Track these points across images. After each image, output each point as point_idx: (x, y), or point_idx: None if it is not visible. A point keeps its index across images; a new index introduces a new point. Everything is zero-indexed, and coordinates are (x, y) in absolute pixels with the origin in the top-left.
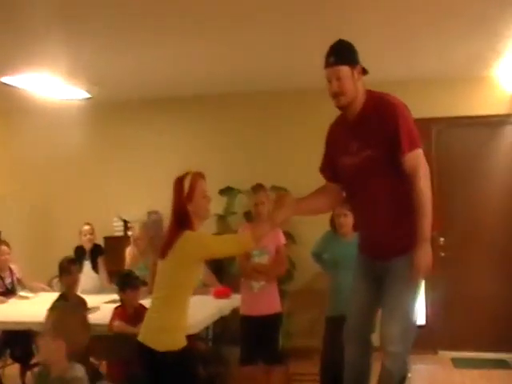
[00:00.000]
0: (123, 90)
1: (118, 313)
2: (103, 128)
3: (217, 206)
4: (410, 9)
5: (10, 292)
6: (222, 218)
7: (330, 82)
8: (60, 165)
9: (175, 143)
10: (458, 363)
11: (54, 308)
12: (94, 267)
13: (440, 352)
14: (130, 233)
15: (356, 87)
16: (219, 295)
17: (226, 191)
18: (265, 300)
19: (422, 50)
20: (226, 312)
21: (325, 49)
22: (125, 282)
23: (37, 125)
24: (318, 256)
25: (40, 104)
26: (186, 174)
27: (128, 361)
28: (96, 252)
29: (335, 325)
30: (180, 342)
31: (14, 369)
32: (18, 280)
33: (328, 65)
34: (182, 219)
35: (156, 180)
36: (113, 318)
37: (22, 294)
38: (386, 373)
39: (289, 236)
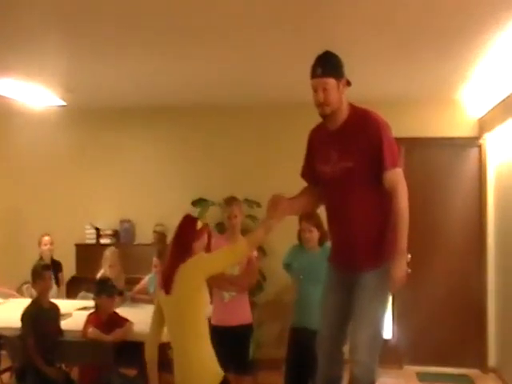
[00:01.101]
0: (98, 98)
1: (92, 319)
2: (77, 135)
3: None
4: (379, 30)
5: None
6: None
7: (315, 91)
8: (33, 170)
9: (149, 153)
10: (422, 377)
11: (25, 314)
12: (55, 280)
13: (405, 366)
14: (102, 241)
15: (340, 99)
16: None
17: (199, 202)
18: (235, 311)
19: (391, 72)
20: None
21: (300, 66)
22: (101, 288)
23: (11, 130)
24: (287, 266)
25: (15, 109)
26: (197, 218)
27: (100, 367)
28: (56, 267)
29: (297, 336)
30: (217, 377)
31: None
32: None
33: (315, 76)
34: (186, 253)
35: (129, 189)
36: (86, 324)
37: None
38: (354, 380)
39: (260, 248)
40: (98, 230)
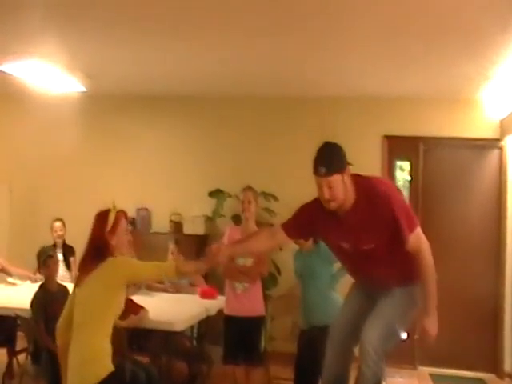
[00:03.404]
0: (119, 84)
1: None
2: (97, 122)
3: (205, 207)
4: (403, 28)
5: None
6: (209, 220)
7: (320, 188)
8: (51, 156)
9: (168, 142)
10: (436, 379)
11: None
12: (67, 265)
13: (419, 367)
14: None
15: (346, 189)
16: (205, 295)
17: (216, 193)
18: (248, 302)
19: (414, 70)
20: (213, 312)
21: (320, 59)
22: None
23: (32, 115)
24: (295, 274)
25: (36, 94)
26: (109, 209)
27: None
28: (68, 252)
29: (307, 337)
30: (104, 370)
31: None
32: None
33: (319, 175)
34: (102, 250)
35: (146, 177)
36: None
37: (10, 280)
38: (361, 376)
39: None
40: None
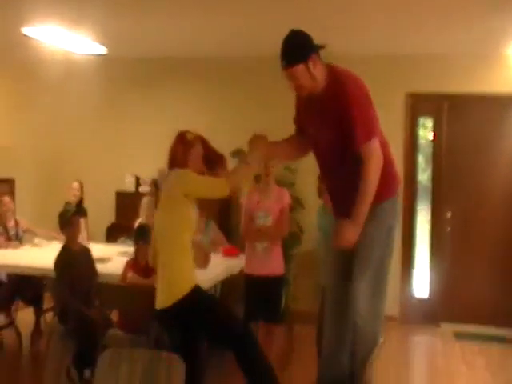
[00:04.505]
0: (139, 48)
1: (131, 265)
2: (118, 85)
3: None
4: None
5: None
6: None
7: (287, 79)
8: (74, 119)
9: (190, 104)
10: (459, 336)
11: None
12: None
13: (442, 325)
14: (140, 189)
15: (313, 77)
16: (228, 254)
17: (237, 153)
18: (268, 261)
19: (439, 26)
20: (235, 271)
21: (343, 19)
22: (139, 234)
23: (54, 78)
24: (319, 230)
25: (58, 58)
26: (187, 130)
27: (139, 311)
28: (80, 212)
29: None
30: (185, 288)
31: (27, 314)
32: (25, 231)
33: (282, 67)
34: (176, 163)
35: (168, 139)
36: (125, 270)
37: (36, 241)
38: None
39: (297, 201)
40: (137, 178)
